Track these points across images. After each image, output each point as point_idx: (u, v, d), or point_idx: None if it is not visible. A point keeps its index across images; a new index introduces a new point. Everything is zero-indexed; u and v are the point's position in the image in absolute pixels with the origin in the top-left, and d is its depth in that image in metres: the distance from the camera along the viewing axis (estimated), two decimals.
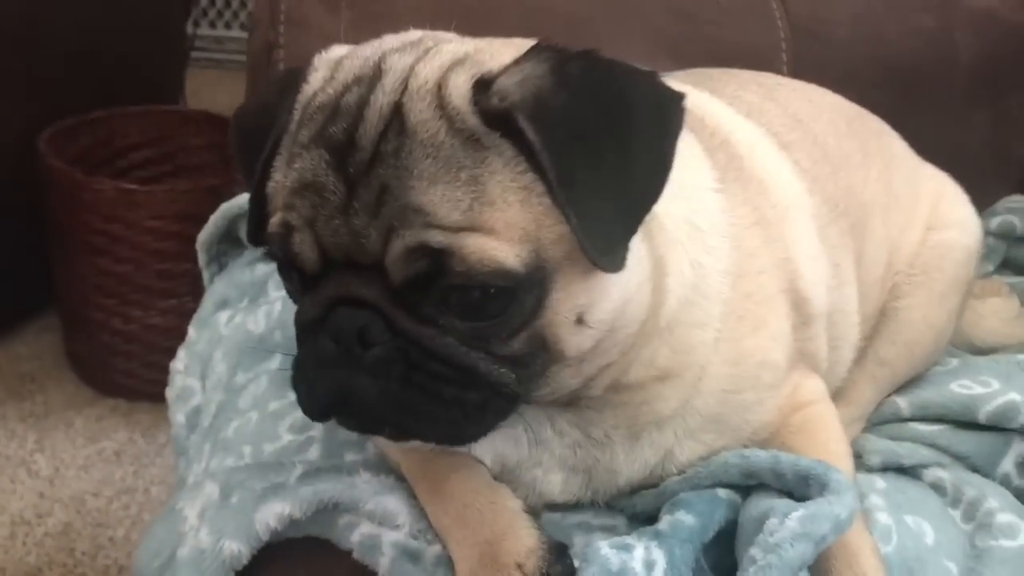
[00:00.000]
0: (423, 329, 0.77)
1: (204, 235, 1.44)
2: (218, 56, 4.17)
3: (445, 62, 0.78)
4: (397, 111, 0.76)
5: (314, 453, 1.05)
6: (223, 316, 1.35)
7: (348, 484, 0.92)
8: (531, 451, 0.91)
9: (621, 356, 0.85)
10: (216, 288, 1.40)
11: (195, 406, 1.30)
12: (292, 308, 1.26)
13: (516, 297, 0.76)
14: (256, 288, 1.35)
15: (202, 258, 1.47)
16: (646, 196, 0.77)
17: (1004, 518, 0.99)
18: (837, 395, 1.15)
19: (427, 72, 0.78)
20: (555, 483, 0.93)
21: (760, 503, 0.86)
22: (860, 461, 1.12)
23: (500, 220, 0.74)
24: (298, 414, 1.09)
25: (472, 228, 0.74)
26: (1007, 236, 1.63)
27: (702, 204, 0.93)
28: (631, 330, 0.84)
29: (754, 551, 0.79)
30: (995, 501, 1.02)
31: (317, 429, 1.08)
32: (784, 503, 0.83)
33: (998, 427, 1.09)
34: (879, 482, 1.06)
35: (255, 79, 1.60)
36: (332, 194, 0.75)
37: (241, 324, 1.30)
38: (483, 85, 0.76)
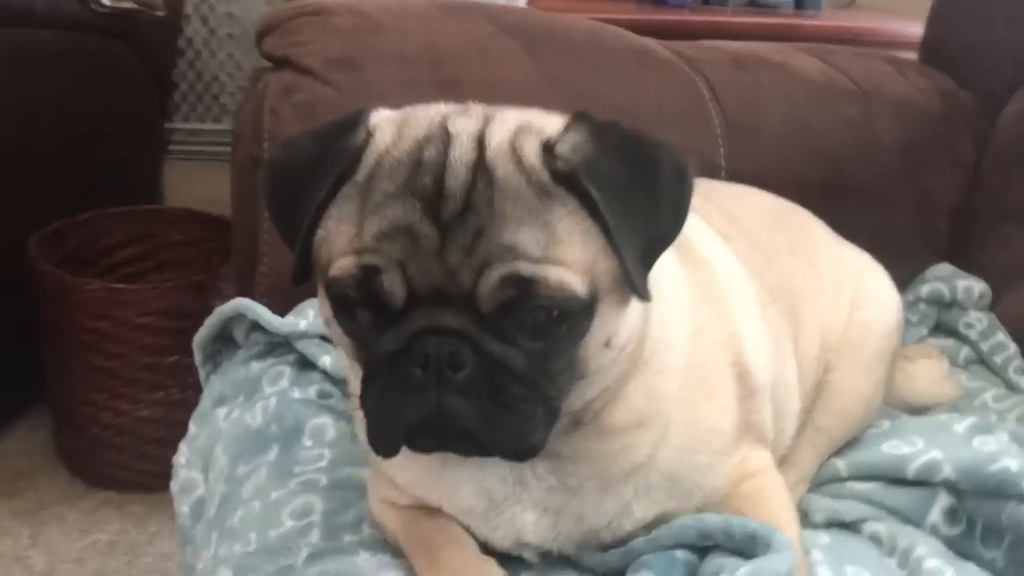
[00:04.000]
0: (506, 349, 0.89)
1: (200, 336, 1.55)
2: (193, 148, 4.29)
3: (511, 127, 0.93)
4: (482, 166, 0.89)
5: (315, 536, 1.15)
6: (221, 412, 1.46)
7: (350, 563, 1.03)
8: (513, 489, 1.04)
9: (615, 381, 1.00)
10: (214, 386, 1.51)
11: (199, 497, 1.39)
12: (287, 402, 1.40)
13: (576, 320, 0.90)
14: (251, 385, 1.46)
15: (198, 357, 1.57)
16: (667, 240, 0.94)
17: (931, 563, 1.11)
18: (782, 461, 1.28)
19: (501, 135, 0.92)
20: (529, 522, 1.05)
21: (713, 561, 0.98)
22: (806, 519, 1.25)
23: (568, 255, 0.88)
24: (298, 501, 1.21)
25: (549, 261, 0.87)
26: (937, 302, 1.78)
27: (670, 274, 1.09)
28: (628, 351, 0.99)
29: None
30: (924, 548, 1.14)
31: (316, 515, 1.19)
32: (733, 561, 0.96)
33: (924, 482, 1.22)
34: (824, 537, 1.18)
35: (241, 187, 1.73)
36: (426, 238, 0.87)
37: (239, 419, 1.41)
38: (548, 148, 0.91)
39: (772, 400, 1.18)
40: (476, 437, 0.90)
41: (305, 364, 1.47)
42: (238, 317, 1.51)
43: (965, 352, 1.71)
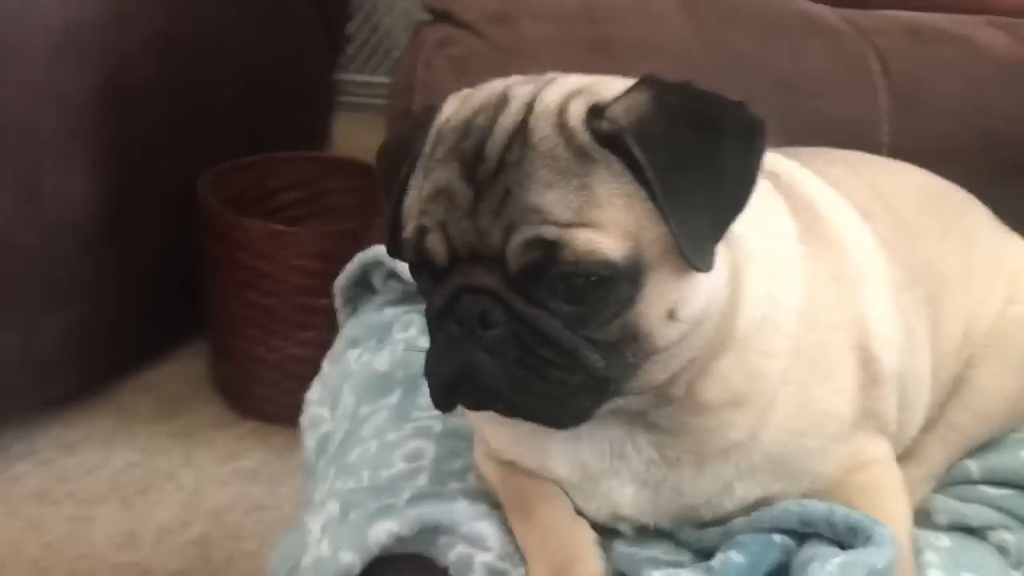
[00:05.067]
0: (535, 311, 0.88)
1: (341, 280, 1.60)
2: (364, 100, 4.40)
3: (566, 90, 0.93)
4: (522, 129, 0.90)
5: (423, 480, 1.17)
6: (353, 354, 1.50)
7: (448, 509, 1.05)
8: (612, 463, 1.03)
9: (701, 354, 0.96)
10: (349, 328, 1.55)
11: (324, 433, 1.44)
12: (412, 351, 1.43)
13: (615, 286, 0.88)
14: (383, 330, 1.49)
15: (338, 301, 1.63)
16: (733, 206, 0.89)
17: None
18: (909, 455, 1.21)
19: (551, 98, 0.92)
20: (627, 495, 1.04)
21: (811, 549, 0.94)
22: (928, 519, 1.18)
23: (606, 218, 0.86)
24: (411, 444, 1.24)
25: (581, 224, 0.86)
26: None
27: (783, 251, 1.05)
28: (711, 325, 0.95)
29: None
30: None
31: (426, 459, 1.21)
32: (830, 550, 0.92)
33: None
34: (944, 540, 1.12)
35: None
36: (462, 198, 0.89)
37: (368, 362, 1.45)
38: (596, 111, 0.90)
39: (899, 390, 1.12)
40: (505, 399, 0.91)
41: None
42: (377, 264, 1.55)
43: None
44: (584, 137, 0.89)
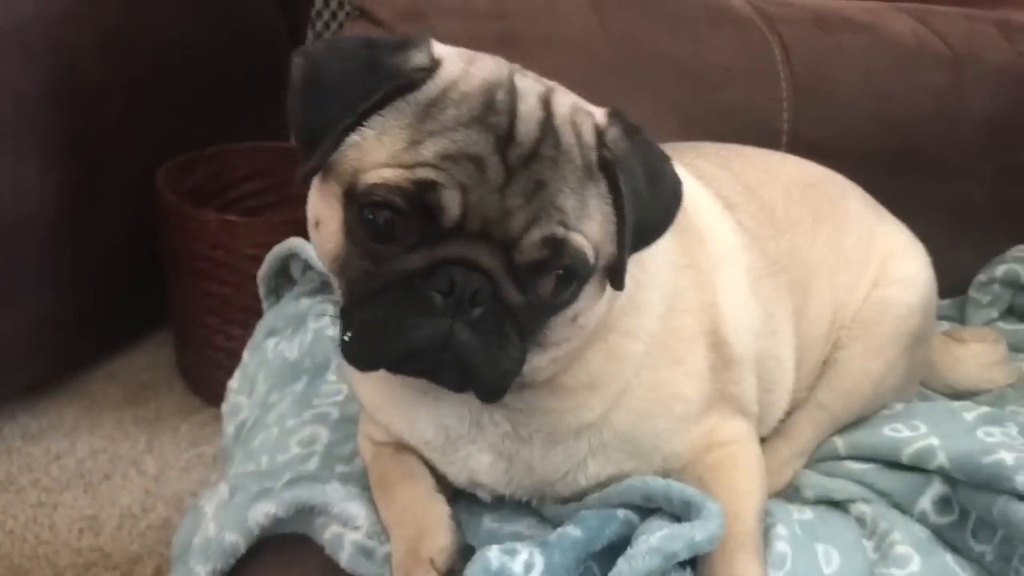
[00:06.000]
0: (520, 299, 0.93)
1: (261, 272, 1.65)
2: None
3: (571, 103, 0.99)
4: (551, 126, 0.95)
5: (313, 464, 1.24)
6: (271, 343, 1.56)
7: (321, 491, 1.11)
8: (470, 429, 1.09)
9: (566, 354, 1.03)
10: (269, 318, 1.61)
11: (242, 420, 1.50)
12: (321, 338, 1.49)
13: (580, 286, 0.96)
14: (298, 320, 1.55)
15: (261, 291, 1.68)
16: (649, 242, 1.02)
17: (901, 549, 1.10)
18: (780, 434, 1.28)
19: (564, 106, 0.98)
20: (483, 463, 1.10)
21: (650, 523, 1.00)
22: (796, 494, 1.25)
23: (589, 229, 0.95)
24: (307, 431, 1.30)
25: (578, 230, 0.93)
26: (1012, 284, 1.70)
27: None
28: (587, 331, 1.03)
29: (620, 560, 0.94)
30: (899, 534, 1.12)
31: (320, 445, 1.27)
32: (658, 523, 0.98)
33: (918, 468, 1.19)
34: (808, 513, 1.18)
35: None
36: (494, 173, 0.91)
37: (282, 350, 1.51)
38: (600, 136, 0.98)
39: (759, 373, 1.18)
40: (471, 370, 0.93)
41: None
42: (293, 255, 1.61)
43: None
44: (593, 156, 0.97)
